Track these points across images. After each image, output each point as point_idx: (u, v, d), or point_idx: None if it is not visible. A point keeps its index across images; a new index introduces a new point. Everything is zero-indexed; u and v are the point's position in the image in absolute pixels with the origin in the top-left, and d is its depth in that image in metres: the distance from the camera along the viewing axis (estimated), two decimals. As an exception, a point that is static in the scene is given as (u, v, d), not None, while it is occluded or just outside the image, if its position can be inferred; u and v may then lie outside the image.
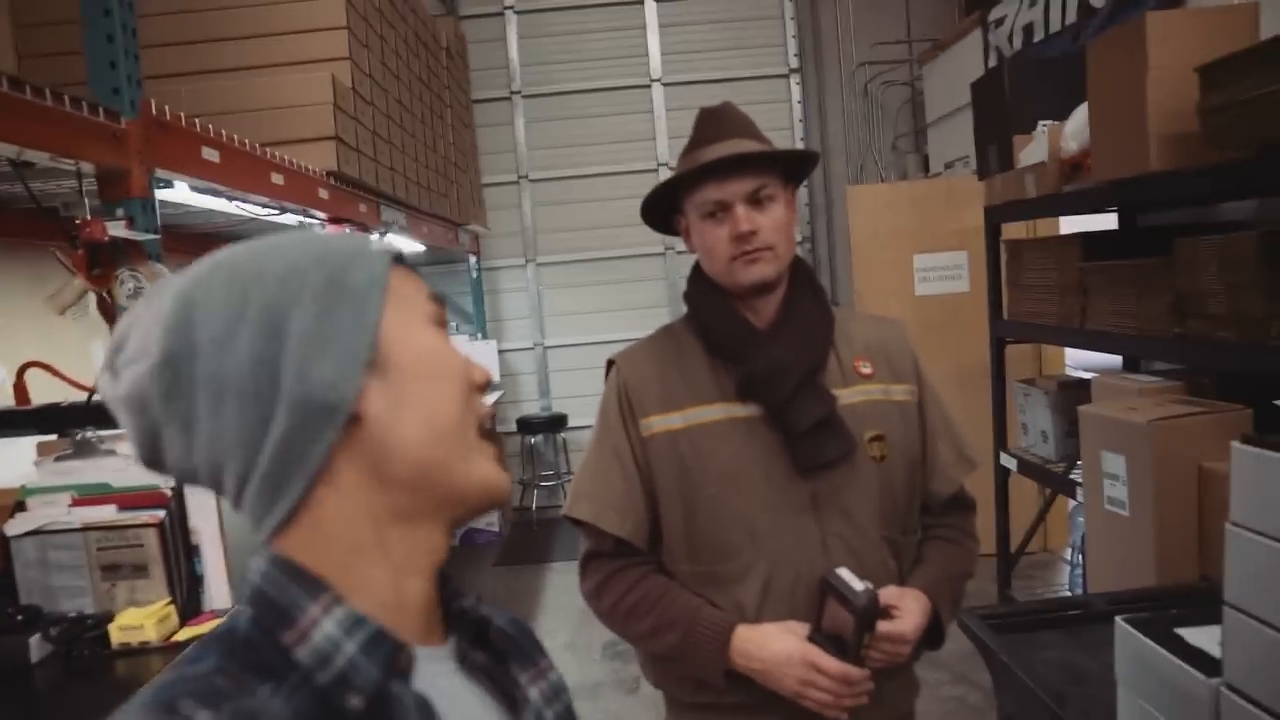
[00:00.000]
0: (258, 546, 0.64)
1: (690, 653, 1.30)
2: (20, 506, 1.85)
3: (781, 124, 6.31)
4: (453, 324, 6.34)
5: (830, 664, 1.22)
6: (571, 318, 6.50)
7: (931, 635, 1.33)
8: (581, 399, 6.27)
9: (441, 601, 0.70)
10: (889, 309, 4.60)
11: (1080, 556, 3.22)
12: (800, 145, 6.29)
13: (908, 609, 1.28)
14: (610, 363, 1.46)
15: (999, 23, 4.77)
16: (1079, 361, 4.24)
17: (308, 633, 0.60)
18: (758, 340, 1.35)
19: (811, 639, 1.26)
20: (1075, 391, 2.91)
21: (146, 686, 0.57)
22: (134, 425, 0.62)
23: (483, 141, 6.36)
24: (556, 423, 6.23)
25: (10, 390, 2.16)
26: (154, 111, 2.02)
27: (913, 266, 4.63)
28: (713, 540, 1.33)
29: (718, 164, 1.31)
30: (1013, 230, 3.56)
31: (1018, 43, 4.57)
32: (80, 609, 1.80)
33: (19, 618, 1.72)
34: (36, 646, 1.69)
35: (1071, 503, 3.30)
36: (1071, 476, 2.81)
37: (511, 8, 6.34)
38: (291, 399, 0.60)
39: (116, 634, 1.70)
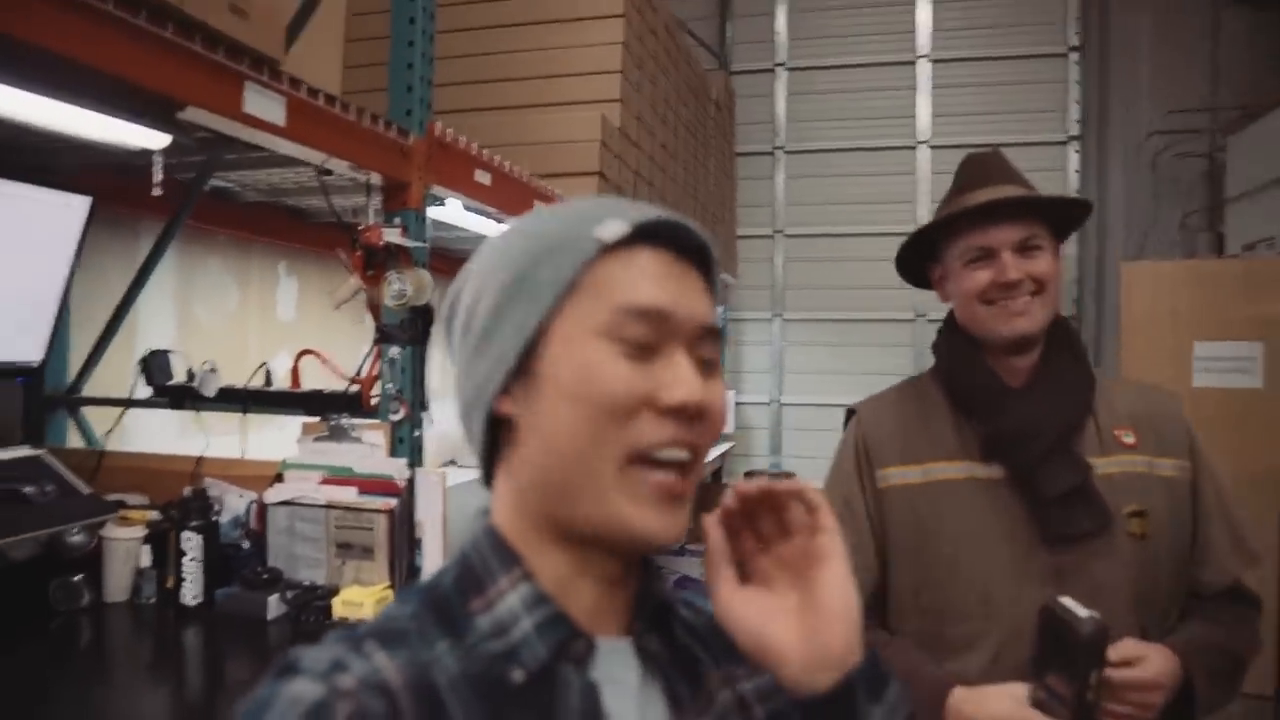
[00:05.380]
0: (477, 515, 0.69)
1: None
2: (279, 478, 2.04)
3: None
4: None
5: None
6: (811, 377, 6.37)
7: (1184, 706, 1.15)
8: (811, 460, 6.08)
9: (640, 590, 0.68)
10: (1166, 401, 4.12)
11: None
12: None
13: (1151, 661, 1.11)
14: (850, 411, 1.42)
15: (1333, 92, 4.20)
16: None
17: (494, 602, 0.63)
18: (1008, 397, 1.26)
19: (1031, 682, 1.08)
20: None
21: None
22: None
23: (742, 194, 6.43)
24: (782, 481, 6.10)
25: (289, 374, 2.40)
26: (437, 133, 2.20)
27: (1192, 355, 4.12)
28: (943, 602, 1.25)
29: (986, 208, 1.25)
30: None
31: (1356, 115, 3.99)
32: (313, 579, 1.95)
33: (265, 576, 1.89)
34: (274, 605, 1.86)
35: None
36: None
37: (783, 64, 6.42)
38: (462, 383, 0.68)
39: (339, 607, 1.81)
